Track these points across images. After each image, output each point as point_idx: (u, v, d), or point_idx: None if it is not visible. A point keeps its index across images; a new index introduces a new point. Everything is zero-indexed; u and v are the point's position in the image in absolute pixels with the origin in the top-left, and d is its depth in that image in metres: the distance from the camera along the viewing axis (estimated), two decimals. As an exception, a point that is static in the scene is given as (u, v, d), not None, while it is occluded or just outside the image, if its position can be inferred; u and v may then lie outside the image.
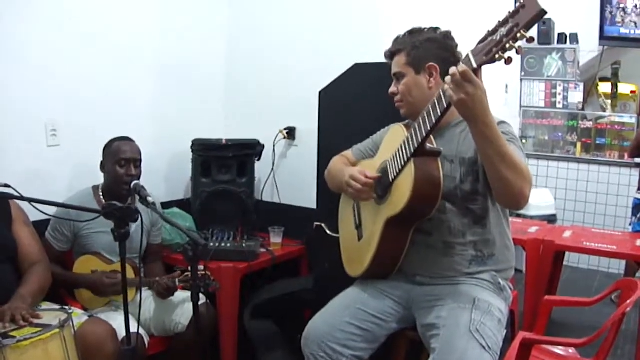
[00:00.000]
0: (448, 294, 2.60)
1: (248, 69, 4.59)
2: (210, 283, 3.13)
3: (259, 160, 4.22)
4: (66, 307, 2.93)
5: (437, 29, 2.71)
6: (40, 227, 3.33)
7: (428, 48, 2.65)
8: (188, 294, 3.31)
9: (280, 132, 4.32)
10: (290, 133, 4.31)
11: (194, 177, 4.16)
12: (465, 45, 2.35)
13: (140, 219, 2.53)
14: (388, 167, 2.63)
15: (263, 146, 4.21)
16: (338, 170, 2.96)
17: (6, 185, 2.79)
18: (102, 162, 3.52)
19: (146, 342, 3.23)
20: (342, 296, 2.90)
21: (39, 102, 3.63)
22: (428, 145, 2.43)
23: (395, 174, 2.56)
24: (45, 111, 3.68)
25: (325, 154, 3.38)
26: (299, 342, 2.84)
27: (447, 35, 2.70)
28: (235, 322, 3.74)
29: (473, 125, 2.18)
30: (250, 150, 4.16)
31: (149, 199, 2.99)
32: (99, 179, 3.58)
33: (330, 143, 3.40)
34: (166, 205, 4.09)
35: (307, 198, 4.00)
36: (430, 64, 2.63)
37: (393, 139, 2.71)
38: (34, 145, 3.66)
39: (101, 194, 3.52)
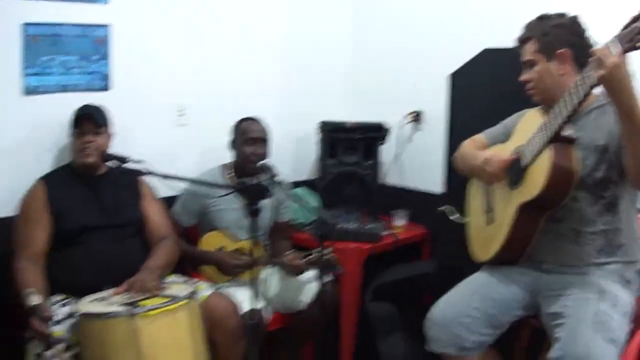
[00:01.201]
0: (575, 284, 2.55)
1: (375, 52, 4.57)
2: (335, 265, 3.15)
3: (384, 143, 4.22)
4: (193, 280, 3.03)
5: (564, 14, 2.65)
6: (167, 203, 3.47)
7: (558, 34, 2.59)
8: (313, 272, 3.37)
9: (407, 115, 4.29)
10: (417, 117, 4.28)
11: (320, 158, 4.20)
12: (597, 30, 2.31)
13: (270, 196, 2.58)
14: (522, 152, 2.59)
15: (389, 129, 4.21)
16: (469, 153, 2.93)
17: (140, 161, 2.90)
18: (231, 141, 3.62)
19: (268, 319, 3.31)
20: (468, 281, 2.88)
21: (169, 84, 3.78)
22: (565, 132, 2.39)
23: (530, 160, 2.52)
24: (174, 92, 3.82)
25: (454, 138, 3.35)
26: (422, 325, 2.85)
27: (576, 20, 2.62)
28: (356, 303, 3.77)
29: (618, 102, 2.16)
30: (376, 132, 4.16)
31: (278, 177, 3.05)
32: (226, 158, 3.68)
33: (460, 127, 3.37)
34: (292, 185, 4.15)
35: (432, 182, 3.98)
36: (561, 50, 2.56)
37: (528, 125, 2.67)
38: (163, 125, 3.82)
39: (231, 171, 3.61)
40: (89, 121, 3.15)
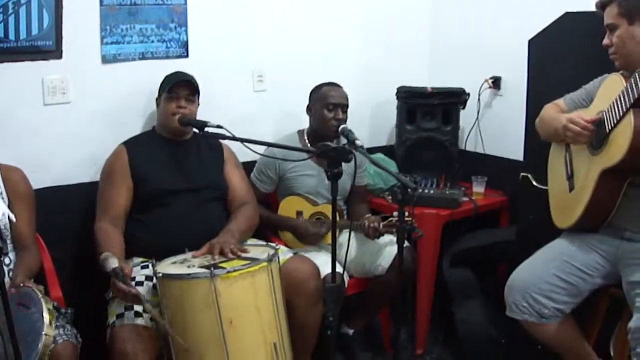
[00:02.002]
0: (657, 252, 2.49)
1: (454, 19, 4.51)
2: (414, 229, 3.15)
3: (463, 109, 4.17)
4: (272, 244, 3.07)
5: None
6: (246, 169, 3.53)
7: None
8: (391, 237, 3.38)
9: (486, 81, 4.23)
10: (496, 82, 4.20)
11: (398, 124, 4.18)
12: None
13: (351, 160, 2.59)
14: (605, 117, 2.54)
15: (468, 95, 4.16)
16: (551, 117, 2.89)
17: (219, 126, 2.95)
18: (308, 106, 3.64)
19: (346, 283, 3.33)
20: (548, 247, 2.85)
21: (247, 50, 3.84)
22: (648, 96, 2.34)
23: (613, 125, 2.47)
24: (252, 58, 3.88)
25: (534, 104, 3.29)
26: (498, 292, 2.84)
27: None
28: (434, 268, 3.77)
29: None
30: (455, 98, 4.12)
31: (357, 142, 3.05)
32: (303, 123, 3.71)
33: (540, 93, 3.30)
34: (370, 151, 4.13)
35: (512, 149, 3.92)
36: None
37: (610, 89, 2.60)
38: (242, 91, 3.89)
39: (307, 137, 3.63)
40: (186, 87, 3.22)
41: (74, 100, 3.41)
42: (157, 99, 3.36)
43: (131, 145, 3.28)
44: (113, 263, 2.66)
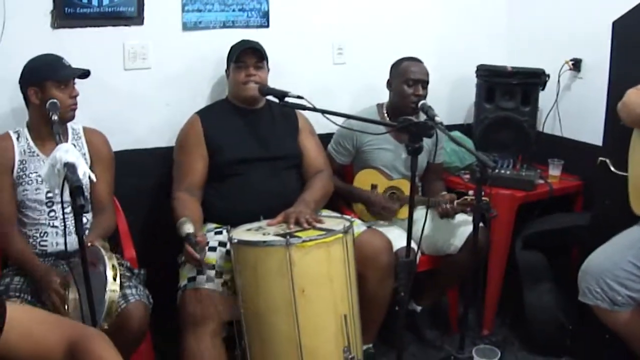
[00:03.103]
0: None
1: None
2: (489, 209, 3.12)
3: (543, 90, 4.09)
4: (347, 217, 3.06)
5: None
6: (323, 140, 3.53)
7: None
8: (465, 217, 3.35)
9: (566, 62, 4.13)
10: (576, 64, 4.10)
11: (477, 103, 4.12)
12: None
13: (432, 136, 2.57)
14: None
15: (548, 76, 4.07)
16: (636, 102, 2.81)
17: (299, 97, 2.95)
18: (388, 80, 3.61)
19: (417, 259, 3.31)
20: (626, 234, 2.80)
21: (328, 23, 3.84)
22: None
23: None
24: (333, 31, 3.88)
25: (616, 88, 3.19)
26: (570, 277, 2.80)
27: None
28: (505, 250, 3.72)
29: None
30: (535, 79, 4.02)
31: (436, 118, 3.02)
32: (382, 97, 3.69)
33: (623, 77, 3.21)
34: (447, 128, 4.06)
35: (591, 133, 3.81)
36: None
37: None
38: (321, 63, 3.90)
39: (385, 111, 3.61)
40: (253, 55, 3.23)
41: (154, 65, 3.48)
42: (226, 70, 3.39)
43: (205, 114, 3.32)
44: (188, 229, 2.71)
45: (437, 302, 3.84)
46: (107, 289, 2.40)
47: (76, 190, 2.05)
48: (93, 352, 1.47)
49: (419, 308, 3.69)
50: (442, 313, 3.89)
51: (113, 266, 2.46)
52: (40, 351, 1.51)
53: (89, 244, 2.60)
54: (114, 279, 2.43)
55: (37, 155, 2.95)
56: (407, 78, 3.47)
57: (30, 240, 2.93)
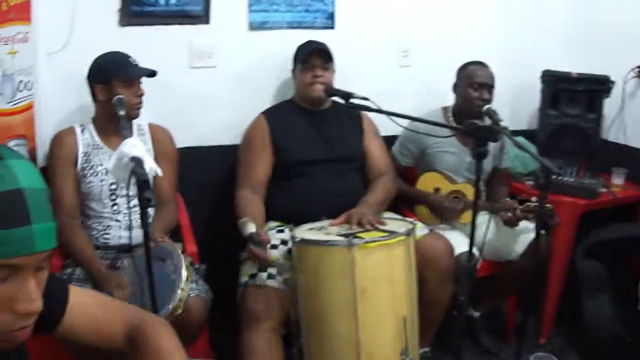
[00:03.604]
0: None
1: (600, 2, 4.35)
2: (552, 216, 3.08)
3: (608, 97, 4.02)
4: (409, 219, 3.06)
5: None
6: (387, 143, 3.53)
7: None
8: (527, 223, 3.31)
9: (632, 70, 4.06)
10: (643, 72, 4.05)
11: (541, 108, 4.07)
12: None
13: (497, 140, 2.56)
14: None
15: (613, 83, 4.01)
16: None
17: (365, 98, 2.95)
18: (454, 84, 3.60)
19: (478, 265, 3.28)
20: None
21: (393, 25, 3.84)
22: None
23: None
24: (398, 33, 3.89)
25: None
26: (631, 288, 2.75)
27: None
28: (566, 258, 3.66)
29: None
30: (600, 85, 3.96)
31: (501, 123, 3.00)
32: (446, 100, 3.67)
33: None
34: (510, 134, 4.09)
35: (656, 142, 3.78)
36: None
37: None
38: (386, 65, 3.91)
39: (450, 115, 3.60)
40: (320, 56, 3.24)
41: (219, 64, 3.52)
42: (292, 70, 3.40)
43: (271, 114, 3.35)
44: (250, 228, 2.73)
45: (495, 309, 3.80)
46: (179, 288, 2.46)
47: (143, 184, 2.08)
48: (152, 339, 1.47)
49: (476, 314, 3.65)
50: (500, 320, 3.85)
51: (187, 267, 2.52)
52: (102, 335, 1.53)
53: (159, 239, 2.65)
54: (187, 280, 2.48)
55: (102, 148, 3.01)
56: (473, 82, 3.45)
57: (93, 232, 2.99)
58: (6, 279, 1.10)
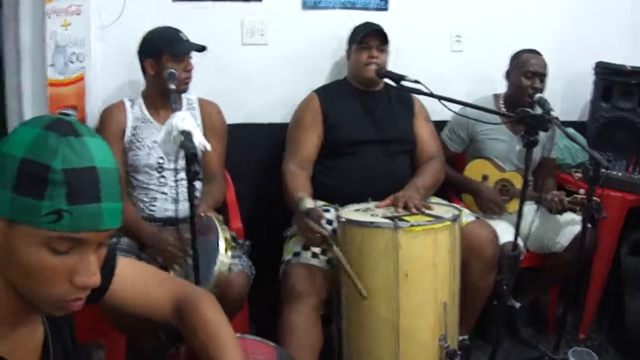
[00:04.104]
0: None
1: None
2: (599, 209, 3.04)
3: (661, 91, 3.96)
4: (456, 205, 3.04)
5: None
6: (437, 128, 3.52)
7: None
8: (573, 216, 3.29)
9: (687, 65, 3.99)
10: (697, 67, 3.97)
11: (593, 101, 4.02)
12: None
13: (547, 129, 2.53)
14: None
15: (667, 77, 3.94)
16: None
17: (416, 81, 2.94)
18: (507, 71, 3.58)
19: (522, 255, 3.26)
20: None
21: (447, 10, 3.84)
22: None
23: None
24: (451, 18, 3.88)
25: None
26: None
27: None
28: (611, 253, 3.61)
29: None
30: (654, 79, 3.91)
31: (552, 113, 2.97)
32: (498, 88, 3.65)
33: None
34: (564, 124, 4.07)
35: None
36: None
37: None
38: (438, 50, 3.90)
39: (501, 102, 3.57)
40: (377, 37, 3.25)
41: (271, 42, 3.56)
42: (347, 51, 3.41)
43: (323, 93, 3.36)
44: (308, 203, 2.74)
45: (536, 301, 3.77)
46: (217, 260, 2.47)
47: (192, 157, 2.11)
48: (199, 311, 1.50)
49: (517, 304, 3.64)
50: (541, 312, 3.82)
51: (226, 239, 2.53)
52: (149, 305, 1.55)
53: (203, 214, 2.67)
54: (226, 251, 2.49)
55: (151, 122, 3.06)
56: (526, 70, 3.42)
57: (140, 204, 3.04)
58: (69, 252, 1.13)
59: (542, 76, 3.43)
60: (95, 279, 1.18)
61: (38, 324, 1.35)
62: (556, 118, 2.90)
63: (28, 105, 2.95)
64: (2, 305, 1.21)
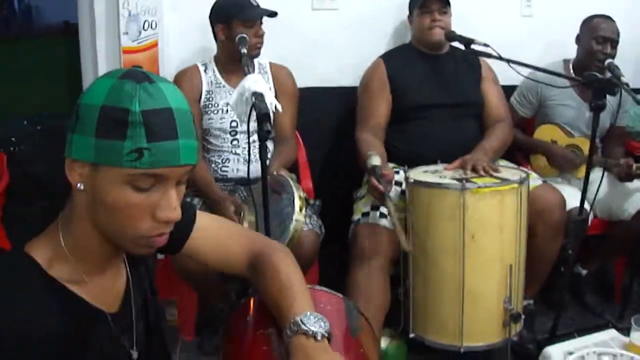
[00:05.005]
0: None
1: None
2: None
3: None
4: (524, 169, 3.05)
5: None
6: (506, 93, 3.50)
7: None
8: (641, 184, 3.26)
9: None
10: None
11: (664, 68, 3.97)
12: None
13: (616, 94, 2.52)
14: None
15: None
16: None
17: (485, 45, 2.94)
18: (578, 36, 3.55)
19: (589, 221, 3.26)
20: None
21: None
22: None
23: None
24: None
25: None
26: None
27: None
28: (680, 223, 3.57)
29: None
30: None
31: (623, 78, 2.94)
32: (568, 53, 3.61)
33: None
34: (633, 92, 3.99)
35: None
36: None
37: None
38: (508, 14, 3.87)
39: (571, 67, 3.55)
40: (437, 0, 3.25)
41: (342, 7, 3.58)
42: (408, 16, 3.43)
43: (389, 58, 3.38)
44: (375, 161, 2.76)
45: (603, 269, 3.74)
46: (293, 218, 2.53)
47: (264, 117, 2.15)
48: (273, 262, 1.52)
49: (584, 272, 3.62)
50: (607, 280, 3.79)
51: (300, 197, 2.58)
52: (224, 257, 1.60)
53: (275, 173, 2.74)
54: (300, 210, 2.55)
55: (224, 86, 3.13)
56: (597, 35, 3.38)
57: (212, 165, 3.12)
58: (150, 189, 1.21)
59: (613, 42, 3.39)
60: (177, 213, 1.25)
61: (122, 270, 1.44)
62: (626, 84, 2.88)
63: (103, 69, 3.05)
64: (91, 250, 1.30)
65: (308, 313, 1.37)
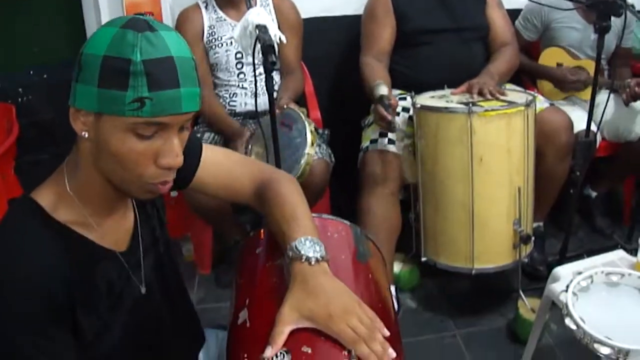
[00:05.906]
0: None
1: None
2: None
3: None
4: (530, 92, 3.05)
5: None
6: (511, 16, 3.45)
7: None
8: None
9: None
10: None
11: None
12: None
13: (620, 15, 2.50)
14: None
15: None
16: None
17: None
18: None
19: (597, 143, 3.26)
20: None
21: None
22: None
23: None
24: None
25: None
26: None
27: None
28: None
29: None
30: None
31: (628, 0, 2.92)
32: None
33: None
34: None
35: None
36: None
37: None
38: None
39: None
40: None
41: None
42: None
43: None
44: (382, 90, 2.77)
45: (612, 191, 3.77)
46: (305, 152, 2.58)
47: (268, 48, 2.15)
48: (278, 191, 1.54)
49: (593, 194, 3.66)
50: (616, 202, 3.81)
51: (312, 132, 2.62)
52: (232, 187, 1.62)
53: (285, 106, 2.77)
54: (312, 144, 2.59)
55: (225, 20, 3.13)
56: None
57: (220, 100, 3.15)
58: (153, 136, 1.23)
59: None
60: (179, 160, 1.27)
61: (129, 211, 1.47)
62: (632, 5, 2.86)
63: (105, 15, 3.07)
64: (97, 195, 1.33)
65: (303, 238, 1.38)
